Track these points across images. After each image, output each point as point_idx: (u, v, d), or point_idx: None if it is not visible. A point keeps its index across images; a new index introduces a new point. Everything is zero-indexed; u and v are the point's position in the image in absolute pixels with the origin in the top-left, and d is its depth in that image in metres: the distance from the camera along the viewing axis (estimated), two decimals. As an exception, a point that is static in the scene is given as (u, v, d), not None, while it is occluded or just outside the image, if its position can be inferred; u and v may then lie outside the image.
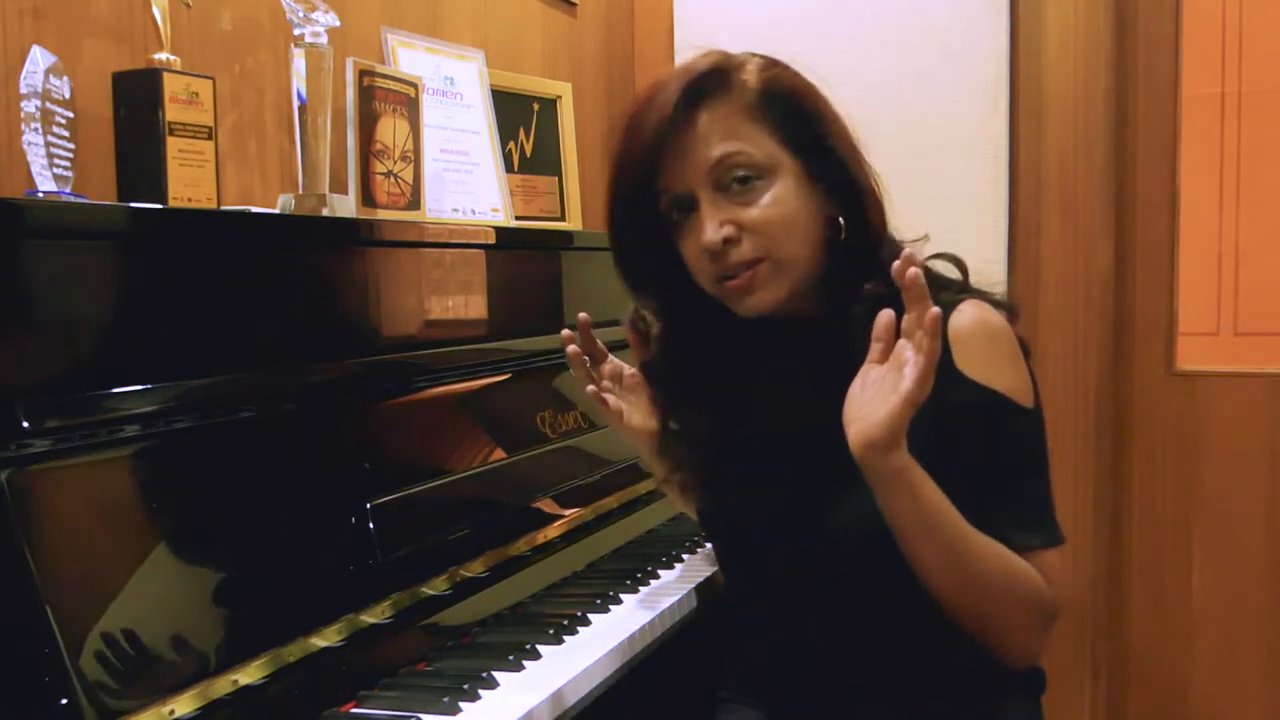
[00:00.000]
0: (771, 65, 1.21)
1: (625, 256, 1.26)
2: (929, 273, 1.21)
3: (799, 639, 1.25)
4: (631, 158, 1.18)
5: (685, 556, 1.64)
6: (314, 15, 1.50)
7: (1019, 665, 1.20)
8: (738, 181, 1.15)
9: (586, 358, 1.39)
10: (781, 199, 1.16)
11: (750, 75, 1.18)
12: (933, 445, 1.14)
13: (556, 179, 2.28)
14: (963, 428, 1.15)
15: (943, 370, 1.14)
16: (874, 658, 1.20)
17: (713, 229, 1.15)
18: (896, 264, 1.04)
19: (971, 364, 1.15)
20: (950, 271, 1.27)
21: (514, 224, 2.03)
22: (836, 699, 1.23)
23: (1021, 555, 1.14)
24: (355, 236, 1.44)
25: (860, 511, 1.17)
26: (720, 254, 1.16)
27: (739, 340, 1.28)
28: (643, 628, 1.34)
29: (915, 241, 1.25)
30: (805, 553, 1.21)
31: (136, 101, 1.32)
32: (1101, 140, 2.34)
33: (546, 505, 1.55)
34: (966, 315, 1.16)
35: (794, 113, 1.17)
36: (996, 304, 1.21)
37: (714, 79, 1.17)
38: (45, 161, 1.22)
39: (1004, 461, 1.16)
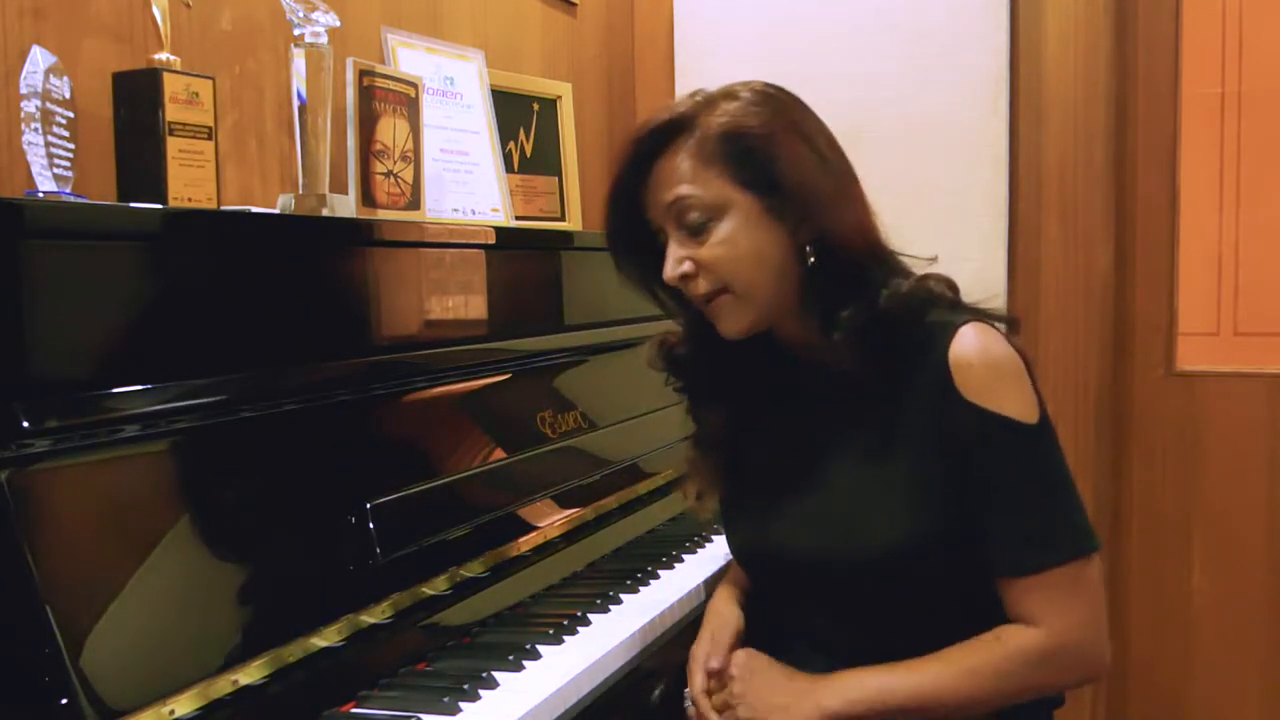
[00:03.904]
0: (749, 104, 1.22)
1: (625, 269, 1.33)
2: (925, 295, 1.23)
3: (811, 647, 1.27)
4: (611, 196, 1.28)
5: (686, 557, 1.64)
6: (314, 15, 1.50)
7: (1093, 681, 1.29)
8: (693, 222, 1.22)
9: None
10: (730, 238, 1.21)
11: (714, 119, 1.22)
12: (939, 471, 1.18)
13: (556, 179, 2.28)
14: (969, 452, 1.17)
15: (945, 395, 1.16)
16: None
17: (671, 266, 1.24)
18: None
19: (974, 389, 1.17)
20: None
21: (514, 224, 2.03)
22: None
23: (1038, 575, 1.16)
24: (355, 236, 1.44)
25: (869, 531, 1.20)
26: (683, 287, 1.25)
27: (751, 357, 1.31)
28: (643, 628, 1.34)
29: (926, 260, 1.27)
30: (819, 565, 1.24)
31: (136, 101, 1.32)
32: (1101, 140, 2.34)
33: (546, 505, 1.55)
34: (967, 341, 1.18)
35: (749, 155, 1.21)
36: (994, 319, 1.23)
37: (675, 126, 1.23)
38: (45, 161, 1.22)
39: (1013, 482, 1.17)
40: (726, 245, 1.21)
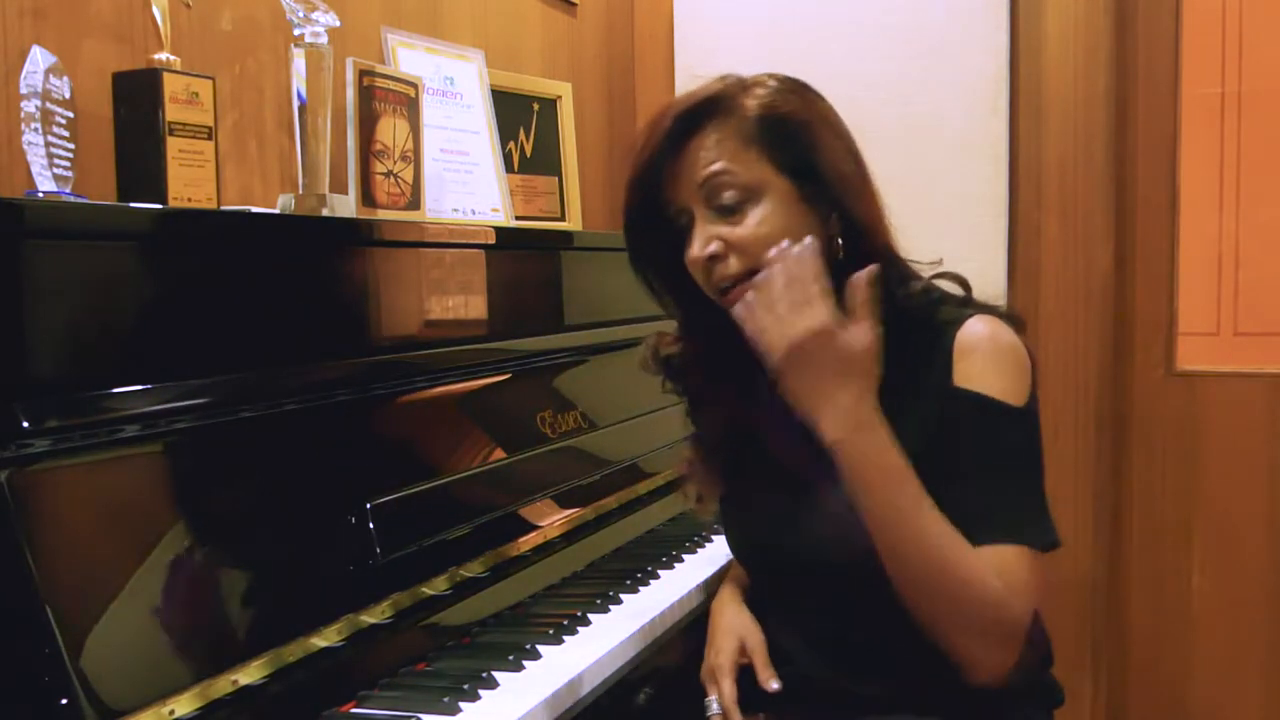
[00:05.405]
0: (782, 90, 1.23)
1: (640, 259, 1.31)
2: (936, 292, 1.22)
3: (810, 646, 1.27)
4: (636, 173, 1.25)
5: (686, 557, 1.64)
6: (314, 15, 1.50)
7: (981, 681, 1.15)
8: (727, 201, 1.20)
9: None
10: (767, 219, 1.19)
11: (752, 100, 1.21)
12: (925, 456, 1.16)
13: (556, 179, 2.28)
14: (950, 430, 1.17)
15: (937, 388, 1.16)
16: (884, 666, 1.20)
17: (699, 245, 1.21)
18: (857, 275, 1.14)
19: (968, 376, 1.17)
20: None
21: (514, 224, 2.03)
22: (846, 706, 1.24)
23: (992, 547, 1.13)
24: (355, 236, 1.44)
25: (868, 531, 1.18)
26: (708, 269, 1.21)
27: (752, 355, 1.30)
28: (643, 628, 1.34)
29: (929, 264, 1.27)
30: (818, 564, 1.24)
31: (136, 101, 1.32)
32: (1101, 140, 2.34)
33: (546, 505, 1.55)
34: (975, 329, 1.18)
35: (789, 139, 1.20)
36: (1003, 317, 1.23)
37: (713, 105, 1.21)
38: (45, 161, 1.22)
39: (986, 458, 1.17)
40: (763, 226, 1.19)
